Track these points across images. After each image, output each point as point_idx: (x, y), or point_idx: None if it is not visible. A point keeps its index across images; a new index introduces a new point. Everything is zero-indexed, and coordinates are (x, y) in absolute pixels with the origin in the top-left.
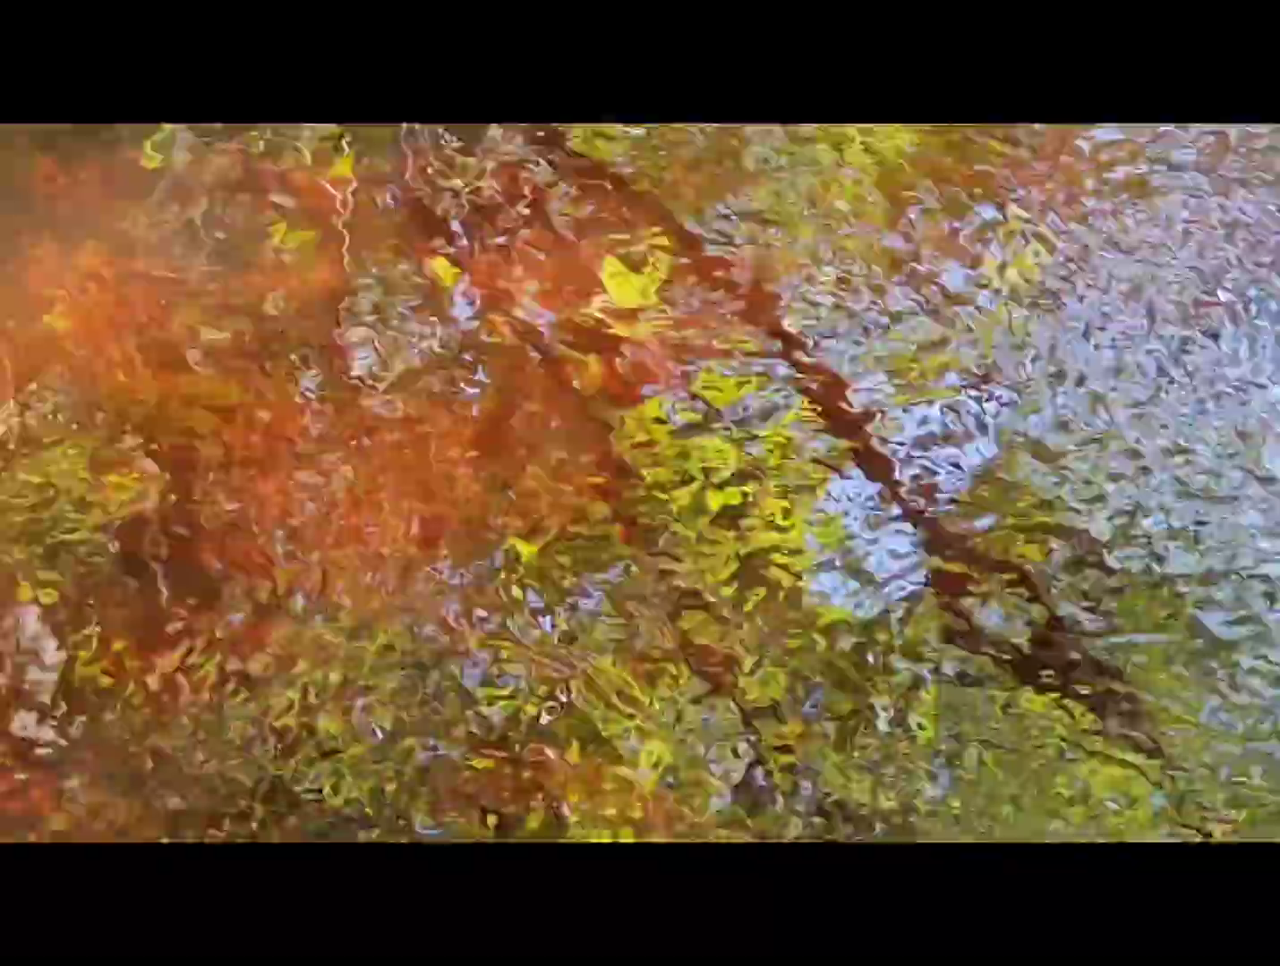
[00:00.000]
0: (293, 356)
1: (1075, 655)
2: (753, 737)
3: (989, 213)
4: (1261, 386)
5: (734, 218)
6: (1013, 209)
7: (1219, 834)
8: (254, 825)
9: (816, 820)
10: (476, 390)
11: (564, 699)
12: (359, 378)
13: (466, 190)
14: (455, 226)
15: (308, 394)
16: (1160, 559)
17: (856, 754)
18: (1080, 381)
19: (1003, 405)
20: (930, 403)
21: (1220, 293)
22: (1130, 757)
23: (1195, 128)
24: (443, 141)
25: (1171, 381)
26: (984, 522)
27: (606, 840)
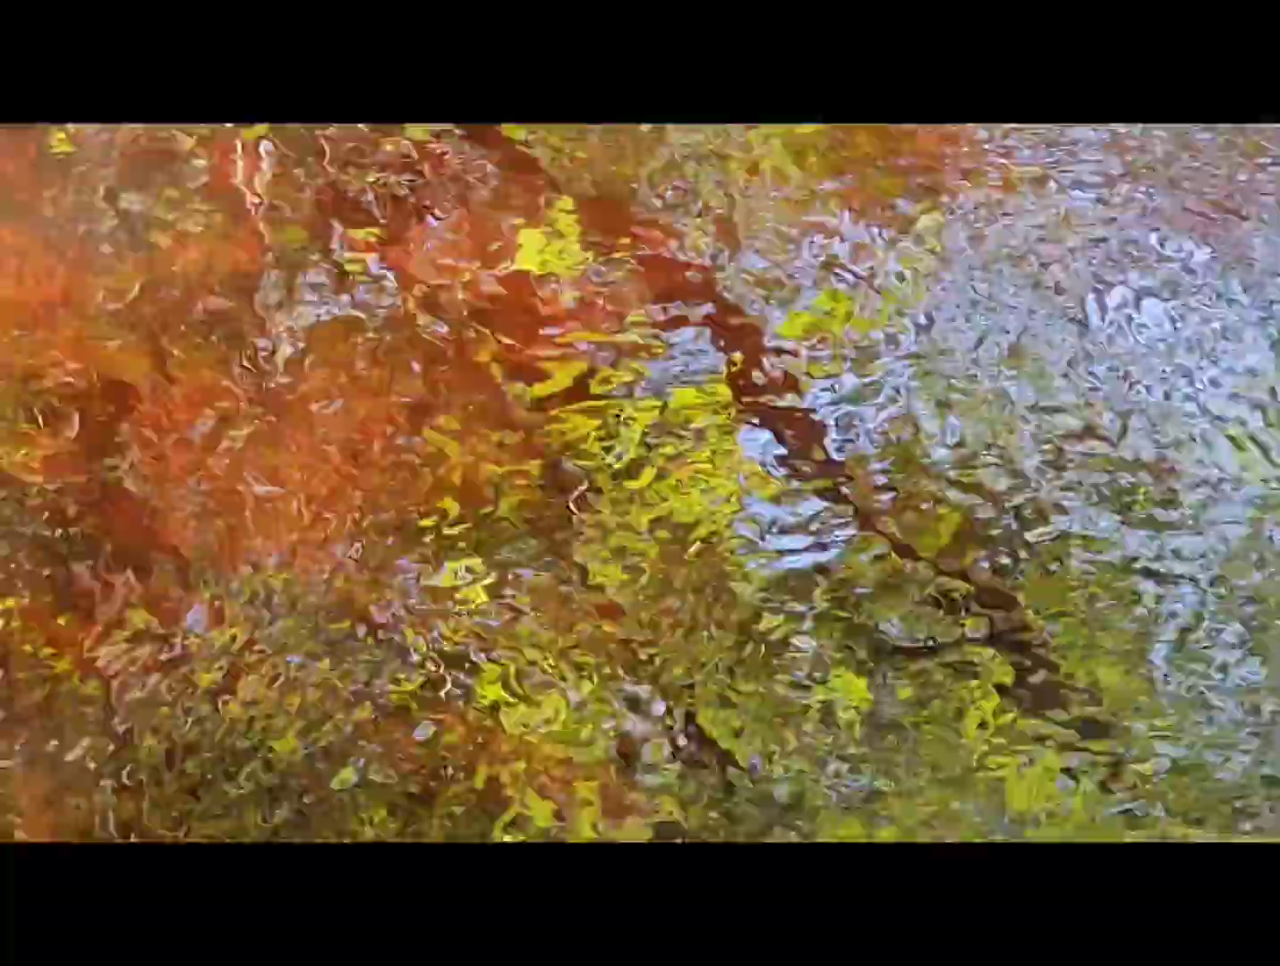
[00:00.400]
0: (208, 332)
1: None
2: (663, 706)
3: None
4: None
5: (653, 194)
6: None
7: None
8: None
9: (726, 792)
10: (393, 366)
11: (482, 669)
12: (277, 353)
13: (381, 167)
14: (370, 203)
15: (223, 369)
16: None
17: (771, 729)
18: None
19: (922, 379)
20: (852, 375)
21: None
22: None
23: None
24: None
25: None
26: (890, 495)
27: (529, 809)
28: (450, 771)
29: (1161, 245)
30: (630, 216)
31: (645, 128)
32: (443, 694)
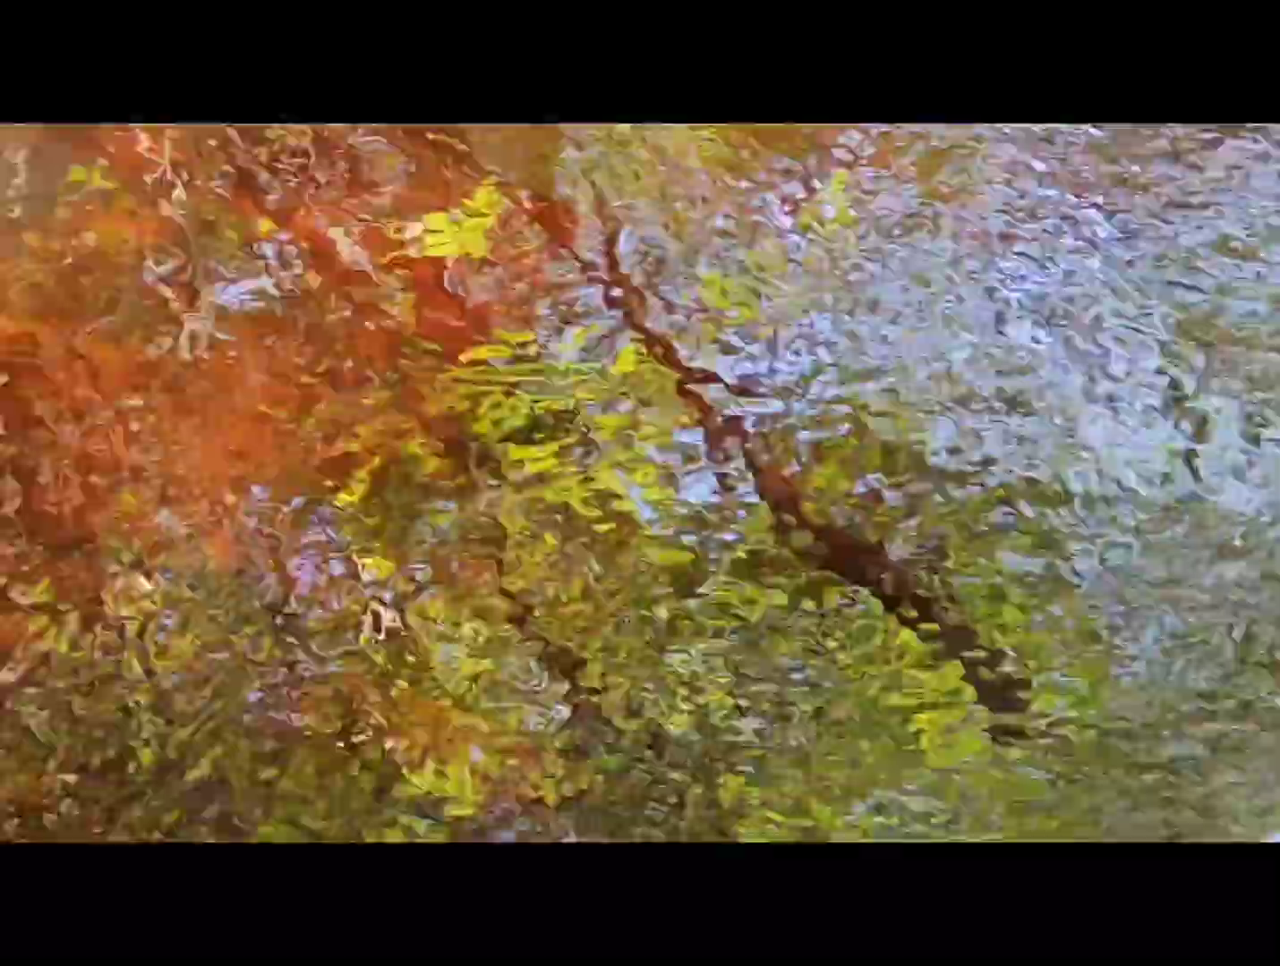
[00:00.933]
0: (118, 311)
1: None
2: (564, 671)
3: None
4: None
5: (563, 172)
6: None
7: None
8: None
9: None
10: (297, 337)
11: (384, 636)
12: (182, 325)
13: (285, 142)
14: (273, 177)
15: (133, 346)
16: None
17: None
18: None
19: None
20: (766, 353)
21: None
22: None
23: None
24: None
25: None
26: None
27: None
28: (360, 741)
29: None
30: (543, 205)
31: (560, 125)
32: (355, 665)
